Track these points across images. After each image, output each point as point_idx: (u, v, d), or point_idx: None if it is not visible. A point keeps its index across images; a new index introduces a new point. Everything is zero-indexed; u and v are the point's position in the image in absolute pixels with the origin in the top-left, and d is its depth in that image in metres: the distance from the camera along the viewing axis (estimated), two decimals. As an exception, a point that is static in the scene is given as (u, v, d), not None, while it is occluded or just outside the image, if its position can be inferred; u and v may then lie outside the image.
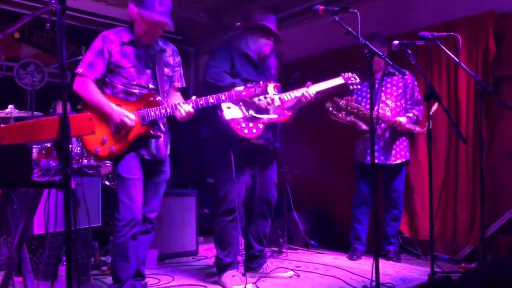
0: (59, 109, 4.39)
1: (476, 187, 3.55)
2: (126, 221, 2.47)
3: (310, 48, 4.95)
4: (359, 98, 3.82)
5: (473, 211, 3.60)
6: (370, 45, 2.29)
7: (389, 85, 3.74)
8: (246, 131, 2.88)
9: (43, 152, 3.52)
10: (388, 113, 3.65)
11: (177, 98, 2.75)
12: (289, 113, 3.04)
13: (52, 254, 2.98)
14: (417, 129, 3.68)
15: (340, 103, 3.53)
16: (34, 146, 3.46)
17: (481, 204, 2.90)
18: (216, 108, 2.89)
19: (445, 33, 2.74)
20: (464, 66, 2.79)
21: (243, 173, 2.99)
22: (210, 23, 5.62)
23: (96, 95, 2.47)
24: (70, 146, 3.39)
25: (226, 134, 2.90)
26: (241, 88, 2.65)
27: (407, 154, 3.75)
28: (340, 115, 3.58)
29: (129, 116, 2.44)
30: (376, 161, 3.65)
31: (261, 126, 2.94)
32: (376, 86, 3.74)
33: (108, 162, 3.60)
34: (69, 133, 1.65)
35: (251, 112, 2.91)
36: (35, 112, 3.84)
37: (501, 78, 3.54)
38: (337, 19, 2.40)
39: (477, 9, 3.63)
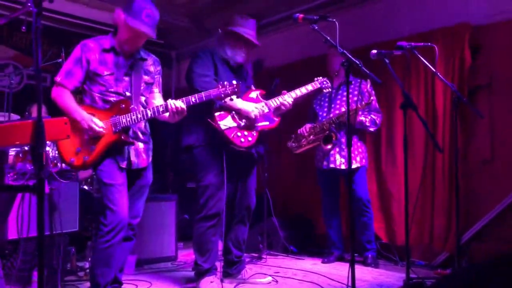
0: (35, 112, 4.31)
1: (452, 193, 3.61)
2: (113, 226, 2.46)
3: (292, 55, 4.99)
4: (317, 107, 3.94)
5: (449, 218, 3.66)
6: (347, 54, 2.33)
7: (344, 93, 3.79)
8: (242, 140, 2.90)
9: (20, 155, 3.46)
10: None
11: (159, 101, 2.75)
12: (278, 119, 3.09)
13: (26, 260, 2.93)
14: (371, 128, 3.73)
15: (298, 134, 3.83)
16: (11, 150, 3.40)
17: (456, 211, 2.96)
18: (202, 118, 2.88)
19: (422, 43, 2.81)
20: (440, 76, 2.86)
21: (225, 179, 2.98)
22: (192, 28, 5.62)
23: (69, 102, 2.49)
24: (46, 150, 3.36)
25: (215, 142, 2.91)
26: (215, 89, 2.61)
27: (364, 160, 3.79)
28: (302, 143, 3.80)
29: (96, 122, 2.44)
30: (332, 165, 3.73)
31: (255, 134, 2.96)
32: (333, 94, 3.86)
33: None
34: (44, 138, 1.63)
35: (245, 121, 2.92)
36: (12, 115, 3.78)
37: (476, 87, 3.63)
38: (316, 27, 2.43)
39: (452, 21, 3.71)
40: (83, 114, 2.46)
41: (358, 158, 3.76)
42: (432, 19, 3.88)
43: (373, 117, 3.73)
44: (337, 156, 3.73)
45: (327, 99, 3.90)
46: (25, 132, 1.64)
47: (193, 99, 2.56)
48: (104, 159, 2.50)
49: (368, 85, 3.52)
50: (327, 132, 3.70)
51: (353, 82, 3.80)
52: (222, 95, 2.57)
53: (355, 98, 3.74)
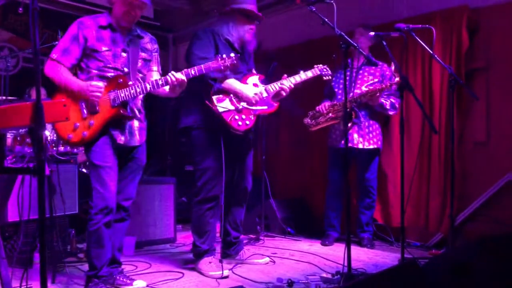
0: (35, 95, 4.31)
1: (447, 175, 3.65)
2: (99, 208, 2.49)
3: (290, 38, 4.97)
4: (336, 85, 3.91)
5: (444, 199, 3.71)
6: (345, 36, 2.33)
7: (366, 73, 3.82)
8: (240, 123, 2.90)
9: (18, 138, 3.47)
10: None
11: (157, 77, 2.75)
12: (277, 104, 3.09)
13: (27, 242, 2.96)
14: (390, 112, 3.75)
15: (316, 111, 3.78)
16: (8, 132, 3.41)
17: (451, 193, 3.00)
18: (200, 99, 2.88)
19: (420, 25, 2.81)
20: (437, 58, 2.87)
21: (223, 162, 2.99)
22: (189, 10, 5.58)
23: (65, 75, 2.48)
24: (45, 132, 3.37)
25: (213, 125, 2.91)
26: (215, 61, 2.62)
27: (379, 142, 3.83)
28: (319, 120, 3.77)
29: (95, 85, 2.44)
30: (350, 144, 3.73)
31: (252, 117, 2.97)
32: (354, 74, 3.82)
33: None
34: (43, 120, 1.64)
35: (243, 104, 2.92)
36: (9, 98, 3.77)
37: (473, 70, 3.64)
38: (314, 9, 2.43)
39: (451, 3, 3.70)
40: (80, 83, 2.46)
41: (375, 139, 3.78)
42: (430, 2, 3.86)
43: (393, 100, 3.73)
44: (355, 135, 3.72)
45: (347, 78, 3.84)
46: (25, 114, 1.65)
47: (193, 72, 2.57)
48: (101, 136, 2.50)
49: (393, 68, 3.51)
50: (348, 110, 3.67)
51: (378, 64, 3.78)
52: (222, 67, 2.59)
53: (376, 80, 3.75)
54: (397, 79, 3.52)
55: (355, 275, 2.70)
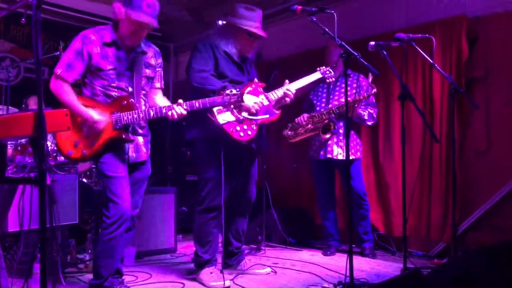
0: (31, 104, 4.32)
1: (449, 184, 3.64)
2: (116, 218, 2.48)
3: (290, 48, 4.99)
4: (314, 98, 3.95)
5: (446, 208, 3.69)
6: (346, 46, 2.34)
7: (343, 85, 3.82)
8: (241, 134, 2.90)
9: (19, 148, 3.48)
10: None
11: (160, 98, 2.78)
12: (279, 111, 3.09)
13: (27, 252, 2.95)
14: (369, 122, 3.74)
15: (295, 123, 3.82)
16: (9, 143, 3.41)
17: (453, 202, 2.98)
18: (202, 112, 2.87)
19: (420, 35, 2.82)
20: (438, 67, 2.87)
21: (227, 172, 3.00)
22: (191, 20, 5.61)
23: (71, 99, 2.47)
24: (46, 142, 3.38)
25: (216, 136, 2.91)
26: (219, 97, 2.67)
27: (358, 153, 3.82)
28: (299, 131, 3.81)
29: (100, 120, 2.45)
30: (329, 156, 3.74)
31: (254, 127, 2.96)
32: (331, 86, 3.86)
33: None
34: (45, 129, 1.64)
35: (244, 115, 2.92)
36: (10, 108, 3.79)
37: (473, 79, 3.65)
38: (315, 19, 2.44)
39: (450, 13, 3.72)
40: (83, 112, 2.45)
41: (353, 150, 3.77)
42: (429, 11, 3.89)
43: (370, 111, 3.75)
44: (335, 147, 3.74)
45: (325, 90, 3.91)
46: (26, 124, 1.65)
47: (197, 104, 2.61)
48: (104, 153, 2.52)
49: (370, 80, 3.56)
50: (326, 121, 3.71)
51: (351, 75, 3.82)
52: (226, 103, 2.63)
53: (354, 91, 3.76)
54: (374, 90, 3.56)
55: (357, 285, 2.68)
